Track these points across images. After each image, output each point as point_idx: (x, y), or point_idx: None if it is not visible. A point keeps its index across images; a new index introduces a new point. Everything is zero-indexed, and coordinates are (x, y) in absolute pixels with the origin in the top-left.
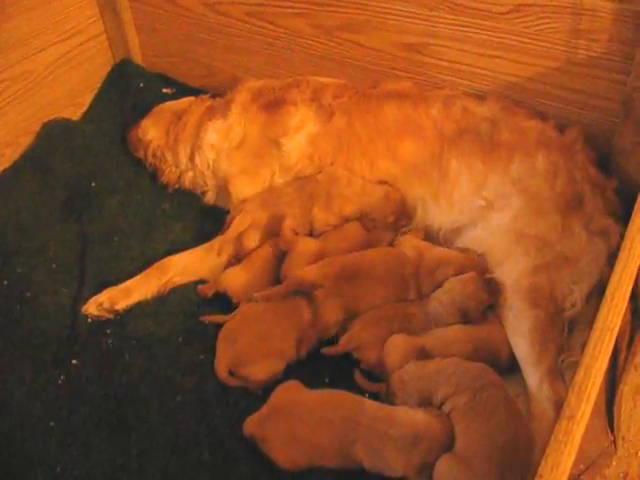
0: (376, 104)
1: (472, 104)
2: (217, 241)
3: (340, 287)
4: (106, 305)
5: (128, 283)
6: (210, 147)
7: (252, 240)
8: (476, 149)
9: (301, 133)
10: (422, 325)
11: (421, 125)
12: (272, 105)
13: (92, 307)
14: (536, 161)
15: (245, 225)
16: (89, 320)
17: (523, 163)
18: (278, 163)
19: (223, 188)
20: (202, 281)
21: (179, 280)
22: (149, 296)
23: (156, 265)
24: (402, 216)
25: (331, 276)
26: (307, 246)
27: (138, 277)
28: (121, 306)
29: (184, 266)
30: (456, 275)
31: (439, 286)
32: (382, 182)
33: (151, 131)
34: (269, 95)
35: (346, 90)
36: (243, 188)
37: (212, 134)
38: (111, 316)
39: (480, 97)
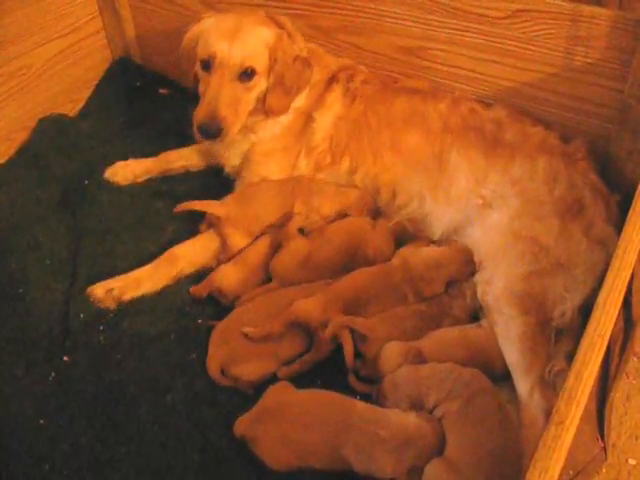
0: (390, 96)
1: (480, 107)
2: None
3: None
4: (116, 293)
5: (138, 273)
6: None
7: (234, 238)
8: (479, 144)
9: (330, 112)
10: (433, 321)
11: (427, 117)
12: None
13: (100, 290)
14: (537, 165)
15: (216, 211)
16: (90, 307)
17: (524, 165)
18: (305, 141)
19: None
20: (209, 269)
21: (189, 270)
22: (158, 288)
23: (164, 257)
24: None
25: (332, 316)
26: (297, 246)
27: (148, 267)
28: (129, 296)
29: (192, 256)
30: (454, 273)
31: (439, 286)
32: (380, 175)
33: None
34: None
35: (374, 78)
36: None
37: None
38: (114, 305)
39: (488, 104)
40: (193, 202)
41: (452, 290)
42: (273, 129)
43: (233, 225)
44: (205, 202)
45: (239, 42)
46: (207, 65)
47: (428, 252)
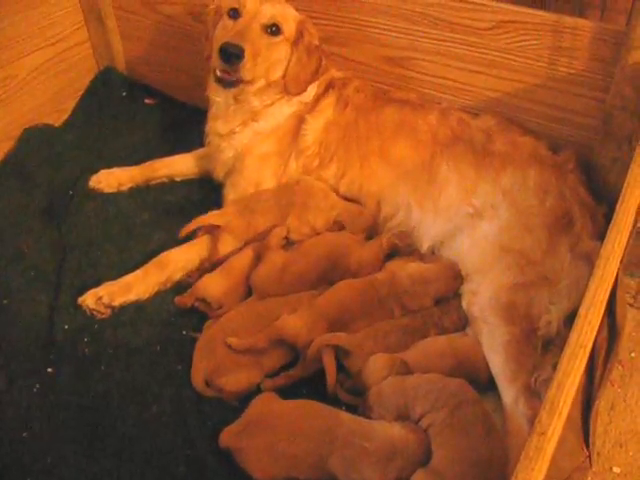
0: (380, 105)
1: (469, 117)
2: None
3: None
4: (105, 300)
5: (127, 279)
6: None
7: (226, 245)
8: (468, 156)
9: (322, 116)
10: (418, 333)
11: (416, 128)
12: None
13: (90, 299)
14: (528, 175)
15: (217, 222)
16: (75, 318)
17: (515, 175)
18: (296, 144)
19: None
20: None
21: (178, 275)
22: (148, 294)
23: (154, 262)
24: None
25: (319, 334)
26: (274, 259)
27: (138, 273)
28: (119, 302)
29: (182, 261)
30: (442, 290)
31: (426, 301)
32: (365, 184)
33: None
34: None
35: (366, 87)
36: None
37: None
38: (108, 312)
39: (476, 114)
40: (196, 220)
41: (443, 305)
42: (277, 118)
43: (230, 233)
44: (206, 216)
45: (270, 2)
46: (235, 13)
47: (415, 267)
